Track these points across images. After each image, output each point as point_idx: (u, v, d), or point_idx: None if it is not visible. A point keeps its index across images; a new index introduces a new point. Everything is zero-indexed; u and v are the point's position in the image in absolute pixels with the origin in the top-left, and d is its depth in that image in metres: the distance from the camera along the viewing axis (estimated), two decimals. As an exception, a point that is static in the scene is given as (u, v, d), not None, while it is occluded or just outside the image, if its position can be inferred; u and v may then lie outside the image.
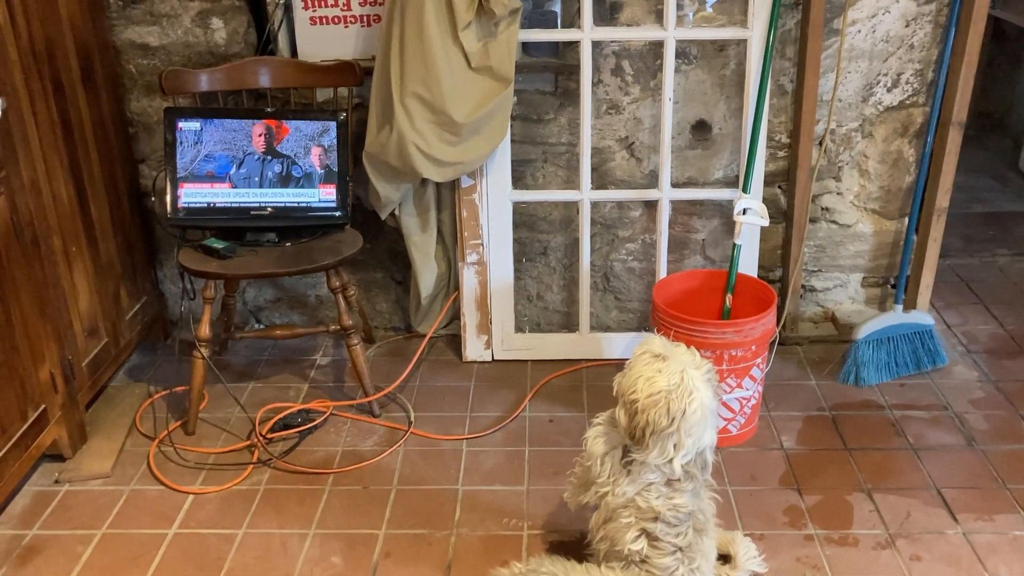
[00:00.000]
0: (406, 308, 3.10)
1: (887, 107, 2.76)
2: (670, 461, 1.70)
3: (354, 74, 2.64)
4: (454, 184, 2.73)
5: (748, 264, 2.77)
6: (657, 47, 2.68)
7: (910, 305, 2.89)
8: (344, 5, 2.73)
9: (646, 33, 2.62)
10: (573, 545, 2.12)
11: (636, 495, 1.76)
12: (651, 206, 2.86)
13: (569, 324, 3.05)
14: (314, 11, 2.74)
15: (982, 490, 2.29)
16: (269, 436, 2.52)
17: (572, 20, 2.66)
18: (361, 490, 2.34)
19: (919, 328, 2.77)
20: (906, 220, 2.91)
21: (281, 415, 2.59)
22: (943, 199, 2.76)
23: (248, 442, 2.51)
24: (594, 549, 1.88)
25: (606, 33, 2.60)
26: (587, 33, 2.57)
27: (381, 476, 2.38)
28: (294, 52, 2.78)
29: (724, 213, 2.88)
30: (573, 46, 2.65)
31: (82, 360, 2.49)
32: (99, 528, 2.21)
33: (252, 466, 2.42)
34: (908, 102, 2.75)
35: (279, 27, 2.74)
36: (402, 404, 2.69)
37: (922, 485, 2.31)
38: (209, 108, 2.60)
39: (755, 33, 2.57)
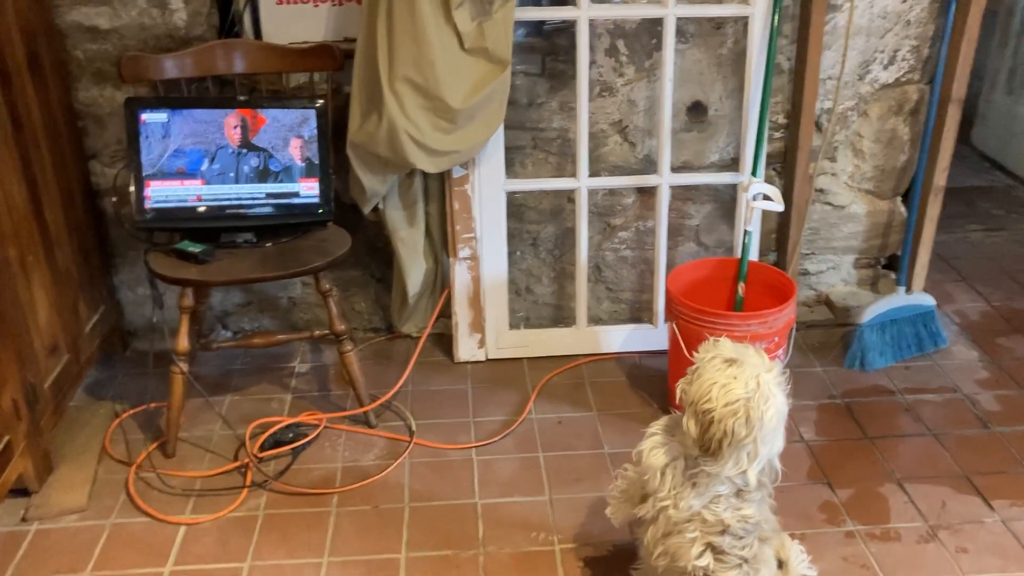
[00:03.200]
0: (387, 307, 2.91)
1: (883, 85, 2.70)
2: (743, 472, 1.59)
3: (334, 58, 2.43)
4: (442, 175, 2.56)
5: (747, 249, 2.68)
6: (653, 25, 2.55)
7: (897, 283, 2.85)
8: (315, -17, 2.52)
9: (646, 10, 2.48)
10: (609, 560, 2.00)
11: (703, 508, 1.63)
12: (645, 192, 2.74)
13: (559, 318, 2.91)
14: (282, -11, 2.52)
15: (1009, 474, 2.26)
16: (259, 455, 2.31)
17: (567, -3, 2.50)
18: (371, 510, 2.16)
19: (921, 310, 2.74)
20: (899, 200, 2.88)
21: (271, 431, 2.38)
22: (940, 177, 2.72)
23: (239, 463, 2.30)
24: (650, 566, 1.76)
25: (604, 11, 2.46)
26: (584, 11, 2.42)
27: (390, 493, 2.21)
28: (259, 35, 2.54)
29: (719, 198, 2.78)
30: (562, 25, 2.50)
31: (44, 381, 2.23)
32: (83, 570, 1.97)
33: (247, 489, 2.21)
34: (904, 79, 2.70)
35: (244, 7, 2.51)
36: (399, 412, 2.51)
37: (950, 473, 2.26)
38: (177, 97, 2.35)
39: (757, 9, 2.47)
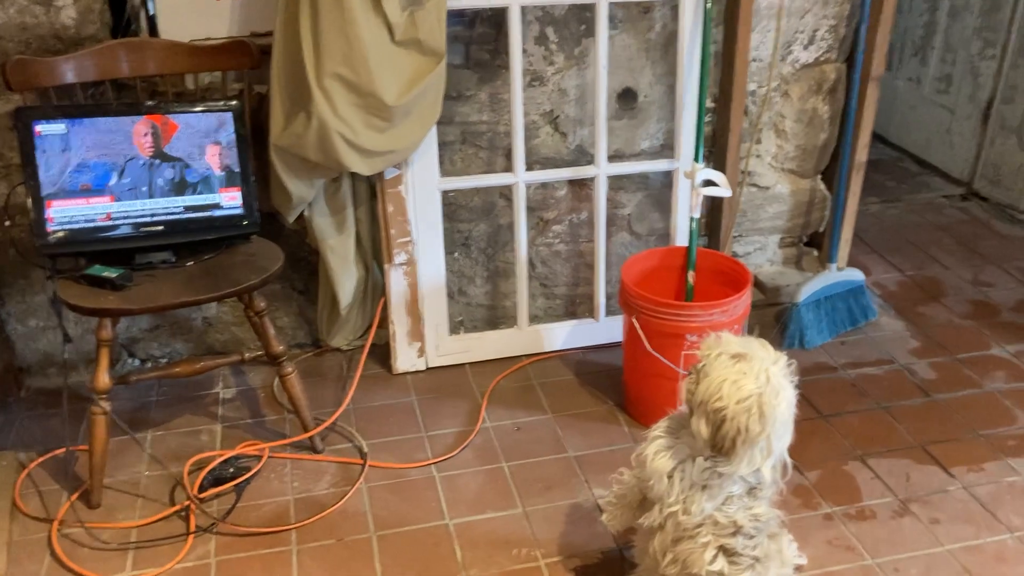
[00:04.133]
0: (311, 321, 2.72)
1: (803, 65, 2.72)
2: (757, 469, 1.53)
3: (249, 55, 2.23)
4: (372, 176, 2.40)
5: (683, 237, 2.65)
6: (581, 11, 2.47)
7: (828, 260, 2.90)
8: (216, -27, 2.31)
9: (579, -4, 2.40)
10: (599, 569, 1.93)
11: (715, 510, 1.57)
12: (576, 184, 2.66)
13: (493, 319, 2.80)
14: (175, -20, 2.29)
15: (960, 441, 2.32)
16: (200, 495, 2.10)
17: (494, -16, 2.38)
18: (336, 544, 1.99)
19: (852, 285, 2.79)
20: (819, 178, 2.92)
21: (209, 468, 2.17)
22: (862, 153, 2.77)
23: (178, 506, 2.08)
24: (658, 575, 1.68)
25: (536, -3, 2.36)
26: (516, -3, 2.32)
27: (353, 523, 2.05)
28: (154, 32, 2.31)
29: (649, 185, 2.74)
30: (485, 13, 2.39)
31: (-59, 437, 1.95)
32: (17, 651, 1.73)
33: (192, 536, 2.00)
34: (823, 59, 2.73)
35: (141, 2, 2.26)
36: (345, 433, 2.34)
37: (906, 444, 2.30)
38: (76, 105, 2.10)
39: (688, -8, 2.42)
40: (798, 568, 1.89)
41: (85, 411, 2.33)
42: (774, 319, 2.84)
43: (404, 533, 2.02)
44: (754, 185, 2.86)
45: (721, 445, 1.50)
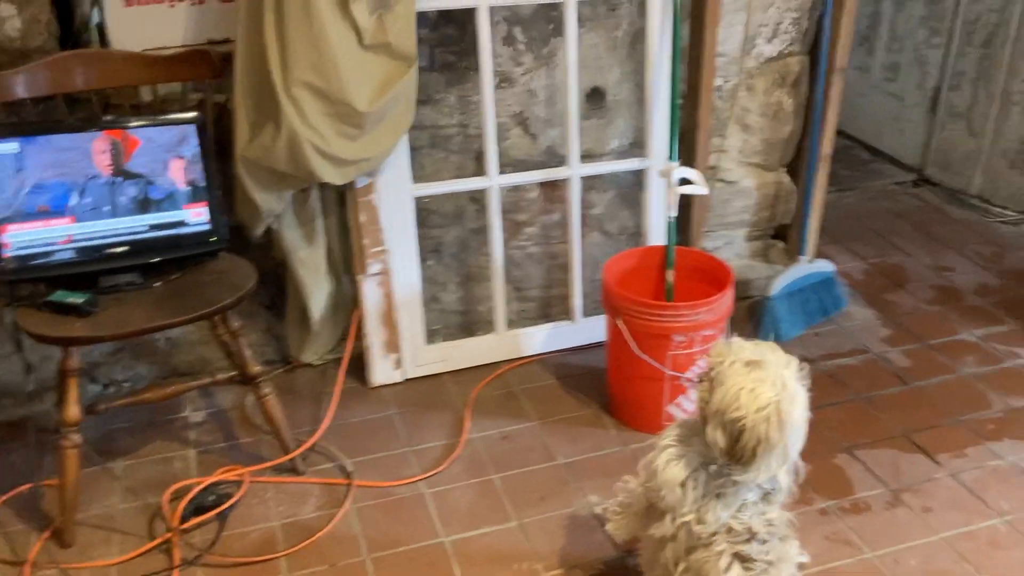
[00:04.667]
0: (280, 336, 2.63)
1: (767, 58, 2.72)
2: (773, 476, 1.51)
3: (211, 64, 2.13)
4: (342, 185, 2.32)
5: (657, 236, 2.64)
6: (548, 10, 2.42)
7: (796, 252, 2.91)
8: (168, -20, 2.21)
9: (546, -6, 2.35)
10: (603, 578, 1.89)
11: (730, 518, 1.55)
12: (548, 185, 2.62)
13: (467, 324, 2.75)
14: (129, -11, 2.18)
15: (940, 427, 2.35)
16: (181, 527, 2.01)
17: (461, -16, 2.33)
18: (328, 569, 1.92)
19: (822, 276, 2.81)
20: (783, 171, 2.93)
21: (189, 497, 2.07)
22: (827, 145, 2.79)
23: (159, 540, 1.98)
24: (671, 585, 1.66)
25: (504, -3, 2.30)
26: (484, -3, 2.26)
27: (345, 547, 1.98)
28: (104, 43, 2.19)
29: (620, 184, 2.71)
30: (451, 15, 2.33)
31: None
32: None
33: (176, 571, 1.91)
34: (786, 52, 2.73)
35: (92, 10, 2.15)
36: (326, 452, 2.27)
37: (889, 434, 2.32)
38: (29, 123, 1.98)
39: (656, -12, 2.40)
40: (801, 566, 1.88)
41: (48, 443, 2.23)
42: (747, 313, 2.85)
43: (399, 554, 1.96)
44: (721, 180, 2.86)
45: (740, 455, 1.48)
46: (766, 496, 1.57)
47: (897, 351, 2.67)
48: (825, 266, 2.82)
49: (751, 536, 1.57)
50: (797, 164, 2.92)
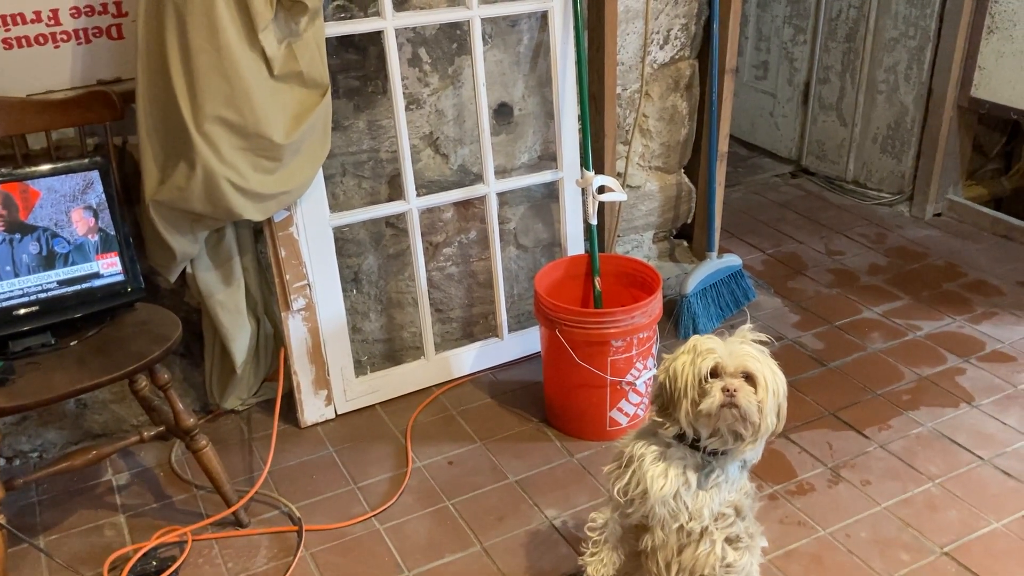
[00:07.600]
0: (197, 385, 2.51)
1: (661, 64, 2.80)
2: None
3: (112, 106, 2.02)
4: (258, 220, 2.24)
5: (574, 246, 2.66)
6: (452, 29, 2.42)
7: (703, 248, 3.00)
8: (50, 19, 2.09)
9: (450, 15, 2.34)
10: (575, 590, 1.88)
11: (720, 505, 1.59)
12: (462, 204, 2.61)
13: (394, 352, 2.70)
14: (7, 31, 2.05)
15: (861, 403, 2.46)
16: (126, 599, 1.88)
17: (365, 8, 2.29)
18: (295, 622, 1.84)
19: (732, 270, 2.90)
20: (682, 172, 3.02)
21: (129, 566, 1.94)
22: (723, 144, 2.90)
23: (104, 618, 1.85)
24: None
25: (410, 19, 2.27)
26: (390, 20, 2.23)
27: (308, 596, 1.90)
28: (-16, 88, 2.05)
29: (531, 198, 2.73)
30: (352, 40, 2.30)
31: None
32: None
33: (130, 647, 1.79)
34: (677, 56, 2.82)
35: (-32, 57, 2.00)
36: (268, 500, 2.17)
37: (818, 414, 2.42)
38: (-84, 181, 1.82)
39: (555, 3, 2.43)
40: (763, 551, 1.94)
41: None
42: (665, 312, 2.91)
43: (365, 596, 1.90)
44: (627, 186, 2.91)
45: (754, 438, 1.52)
46: (744, 465, 1.61)
47: (809, 335, 2.78)
48: (733, 260, 2.92)
49: (737, 514, 1.60)
50: (694, 165, 3.02)
